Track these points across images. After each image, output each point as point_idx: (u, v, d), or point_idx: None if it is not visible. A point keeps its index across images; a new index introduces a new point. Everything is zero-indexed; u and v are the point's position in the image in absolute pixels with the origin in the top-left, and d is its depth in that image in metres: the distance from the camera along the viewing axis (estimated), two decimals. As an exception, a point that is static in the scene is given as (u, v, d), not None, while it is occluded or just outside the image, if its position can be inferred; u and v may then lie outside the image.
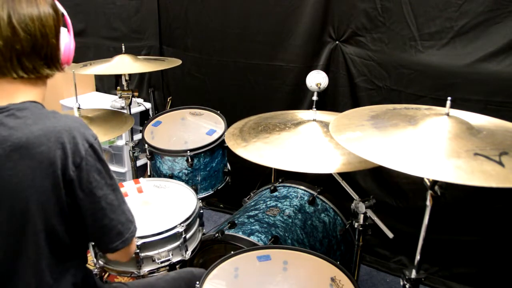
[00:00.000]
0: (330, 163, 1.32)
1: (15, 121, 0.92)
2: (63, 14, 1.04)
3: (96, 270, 1.51)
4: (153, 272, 1.51)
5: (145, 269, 1.50)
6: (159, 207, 1.71)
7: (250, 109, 1.93)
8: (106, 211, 0.99)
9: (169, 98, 3.01)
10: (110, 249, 1.05)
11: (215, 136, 2.12)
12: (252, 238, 1.68)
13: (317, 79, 1.82)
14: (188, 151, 1.99)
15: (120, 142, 2.94)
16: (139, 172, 2.55)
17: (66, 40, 1.03)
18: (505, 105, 1.84)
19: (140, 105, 3.04)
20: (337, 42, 2.26)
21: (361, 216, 1.44)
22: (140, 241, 1.46)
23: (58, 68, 1.03)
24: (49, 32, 0.96)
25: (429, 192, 1.06)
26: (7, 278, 0.97)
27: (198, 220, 1.68)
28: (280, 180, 2.15)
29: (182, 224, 1.54)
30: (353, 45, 2.21)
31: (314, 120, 1.53)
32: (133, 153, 2.33)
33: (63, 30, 1.03)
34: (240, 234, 1.70)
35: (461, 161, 0.91)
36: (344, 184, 1.51)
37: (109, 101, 3.08)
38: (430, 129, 1.05)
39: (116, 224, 1.02)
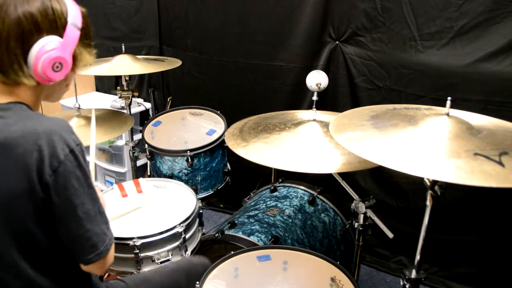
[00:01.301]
0: (330, 163, 1.32)
1: None
2: (60, 25, 0.95)
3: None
4: (153, 272, 1.51)
5: (145, 269, 1.50)
6: (158, 207, 1.71)
7: (250, 109, 1.93)
8: (81, 221, 0.94)
9: (169, 98, 3.01)
10: (83, 261, 0.99)
11: (215, 136, 2.12)
12: (252, 238, 1.68)
13: (317, 79, 1.82)
14: (188, 151, 1.99)
15: (120, 142, 2.94)
16: (139, 172, 2.55)
17: (43, 49, 0.92)
18: (505, 105, 1.84)
19: (140, 105, 3.05)
20: (337, 42, 2.26)
21: (361, 216, 1.44)
22: (139, 241, 1.46)
23: (20, 80, 0.94)
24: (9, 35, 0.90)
25: (429, 192, 1.06)
26: None
27: (197, 220, 1.68)
28: (280, 180, 2.15)
29: (181, 224, 1.53)
30: (353, 45, 2.21)
31: (314, 120, 1.54)
32: (133, 153, 2.33)
33: (46, 38, 0.93)
34: (240, 234, 1.70)
35: (461, 161, 0.91)
36: (344, 184, 1.51)
37: (109, 101, 3.08)
38: (430, 129, 1.05)
39: (91, 235, 0.96)
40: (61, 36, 0.95)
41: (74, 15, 0.98)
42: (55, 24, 0.94)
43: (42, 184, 0.89)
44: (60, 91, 1.09)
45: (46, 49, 0.93)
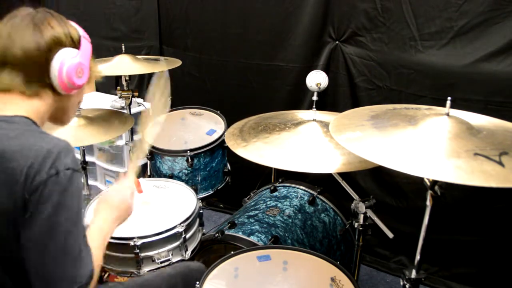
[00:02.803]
0: (330, 163, 1.32)
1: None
2: (76, 40, 1.03)
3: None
4: (153, 272, 1.51)
5: (145, 269, 1.50)
6: (159, 207, 1.71)
7: (250, 109, 1.92)
8: (49, 254, 0.86)
9: (169, 98, 3.01)
10: None
11: (215, 136, 2.12)
12: (252, 238, 1.68)
13: (317, 79, 1.82)
14: (188, 151, 1.99)
15: (120, 142, 2.93)
16: (139, 172, 2.55)
17: (65, 59, 0.99)
18: (505, 105, 1.84)
19: (140, 105, 3.04)
20: (337, 42, 2.26)
21: (361, 216, 1.44)
22: (140, 241, 1.46)
23: (43, 90, 0.99)
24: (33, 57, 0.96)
25: (429, 192, 1.06)
26: None
27: (198, 220, 1.68)
28: (280, 180, 2.15)
29: (182, 224, 1.54)
30: (353, 45, 2.21)
31: (314, 120, 1.54)
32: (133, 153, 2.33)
33: (64, 50, 0.99)
34: (240, 234, 1.70)
35: (461, 161, 0.91)
36: (344, 184, 1.51)
37: (109, 101, 3.07)
38: (430, 129, 1.05)
39: (60, 275, 0.88)
40: (78, 48, 1.04)
41: (83, 33, 1.08)
42: (71, 39, 1.02)
43: (23, 201, 0.86)
44: (73, 107, 1.11)
45: (69, 56, 1.00)
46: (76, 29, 1.05)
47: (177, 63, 2.23)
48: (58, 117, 1.09)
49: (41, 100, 1.00)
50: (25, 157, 0.87)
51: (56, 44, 0.98)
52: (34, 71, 0.97)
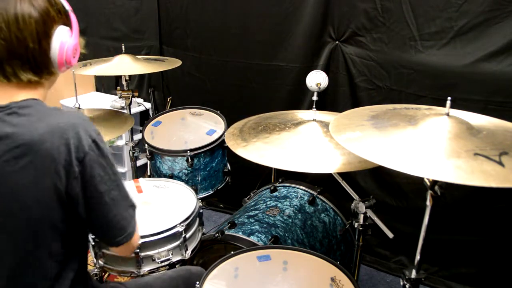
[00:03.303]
0: (330, 163, 1.32)
1: (18, 119, 0.92)
2: (63, 12, 0.99)
3: (96, 270, 1.51)
4: (153, 272, 1.51)
5: (145, 268, 1.50)
6: (159, 207, 1.71)
7: (250, 109, 1.92)
8: (109, 206, 0.99)
9: (169, 98, 3.01)
10: (114, 243, 1.06)
11: (215, 136, 2.12)
12: (252, 238, 1.68)
13: (317, 79, 1.82)
14: (188, 151, 1.99)
15: (120, 142, 2.94)
16: (139, 172, 2.55)
17: (64, 40, 0.98)
18: (505, 105, 1.84)
19: (140, 105, 3.05)
20: (337, 42, 2.26)
21: (361, 216, 1.44)
22: (140, 241, 1.46)
23: (50, 72, 1.00)
24: (28, 36, 0.92)
25: (429, 192, 1.06)
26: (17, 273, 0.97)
27: (198, 219, 1.68)
28: (280, 180, 2.15)
29: (182, 224, 1.54)
30: (353, 45, 2.21)
31: (314, 120, 1.53)
32: (133, 153, 2.33)
33: (60, 29, 0.98)
34: (240, 234, 1.70)
35: (461, 161, 0.91)
36: (344, 184, 1.51)
37: (109, 101, 3.08)
38: (430, 129, 1.05)
39: (119, 219, 1.02)
40: (68, 24, 1.01)
41: (66, 3, 1.02)
42: (61, 13, 0.99)
43: (70, 176, 0.92)
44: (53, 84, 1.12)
45: (65, 38, 0.99)
46: (63, 3, 1.01)
47: (177, 63, 2.23)
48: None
49: (43, 80, 1.00)
50: (57, 136, 0.90)
51: (50, 22, 0.96)
52: (41, 60, 0.96)
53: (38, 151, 0.89)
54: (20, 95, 0.97)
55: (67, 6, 1.02)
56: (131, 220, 1.06)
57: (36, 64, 0.96)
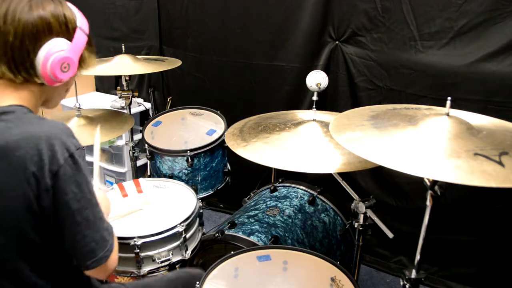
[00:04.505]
0: (330, 163, 1.32)
1: None
2: (70, 27, 0.98)
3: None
4: (153, 272, 1.51)
5: (145, 268, 1.50)
6: (159, 207, 1.71)
7: (250, 109, 1.93)
8: (79, 226, 0.94)
9: (169, 98, 3.01)
10: (83, 266, 0.98)
11: (215, 136, 2.12)
12: (252, 238, 1.68)
13: (317, 79, 1.82)
14: (188, 151, 1.99)
15: (120, 142, 2.94)
16: (139, 172, 2.55)
17: (53, 50, 0.96)
18: (505, 105, 1.84)
19: (140, 105, 3.05)
20: (337, 42, 2.26)
21: (361, 216, 1.44)
22: (140, 241, 1.46)
23: (30, 76, 0.97)
24: (12, 30, 0.92)
25: (429, 192, 1.06)
26: None
27: (198, 219, 1.68)
28: (280, 180, 2.15)
29: (182, 224, 1.54)
30: (353, 45, 2.21)
31: (314, 120, 1.54)
32: (133, 153, 2.33)
33: (55, 40, 0.96)
34: (240, 234, 1.70)
35: (461, 161, 0.91)
36: (344, 184, 1.51)
37: (109, 101, 3.08)
38: (430, 129, 1.05)
39: (88, 241, 0.95)
40: (70, 39, 1.00)
41: (82, 23, 1.03)
42: (65, 27, 0.99)
43: (41, 189, 0.89)
44: (60, 95, 1.10)
45: (56, 49, 0.96)
46: (75, 19, 1.01)
47: (177, 63, 2.23)
48: (47, 102, 1.08)
49: (31, 87, 0.99)
50: (31, 145, 0.88)
51: (47, 30, 0.95)
52: (20, 58, 0.94)
53: (12, 158, 0.88)
54: (7, 99, 0.96)
55: (81, 24, 1.01)
56: (103, 243, 0.98)
57: (14, 60, 0.94)
